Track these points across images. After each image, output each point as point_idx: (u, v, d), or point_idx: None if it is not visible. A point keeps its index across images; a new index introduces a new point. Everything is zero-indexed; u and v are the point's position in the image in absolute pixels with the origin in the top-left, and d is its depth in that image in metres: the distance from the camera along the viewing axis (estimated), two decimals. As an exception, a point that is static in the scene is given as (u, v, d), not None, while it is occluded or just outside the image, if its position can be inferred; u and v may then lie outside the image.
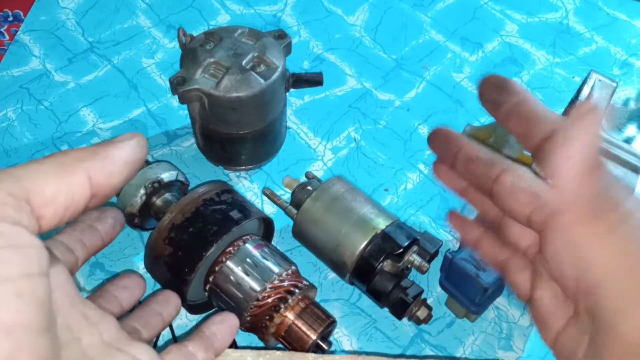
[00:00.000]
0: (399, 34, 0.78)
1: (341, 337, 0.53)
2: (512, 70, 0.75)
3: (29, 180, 0.22)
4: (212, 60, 0.54)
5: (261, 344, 0.50)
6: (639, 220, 0.27)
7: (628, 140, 0.69)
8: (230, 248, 0.49)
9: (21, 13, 0.78)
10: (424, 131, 0.68)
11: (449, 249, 0.50)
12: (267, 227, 0.54)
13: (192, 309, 0.52)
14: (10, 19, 0.77)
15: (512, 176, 0.33)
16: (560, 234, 0.28)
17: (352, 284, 0.54)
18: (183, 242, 0.47)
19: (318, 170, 0.64)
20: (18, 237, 0.21)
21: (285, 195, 0.61)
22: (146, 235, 0.58)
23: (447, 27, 0.79)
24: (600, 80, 0.56)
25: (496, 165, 0.34)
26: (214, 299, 0.50)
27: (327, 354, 0.48)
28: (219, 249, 0.48)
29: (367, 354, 0.51)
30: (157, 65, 0.72)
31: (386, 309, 0.52)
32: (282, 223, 0.58)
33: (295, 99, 0.70)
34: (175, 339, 0.52)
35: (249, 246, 0.49)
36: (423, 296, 0.52)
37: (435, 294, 0.56)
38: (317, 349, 0.48)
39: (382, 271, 0.50)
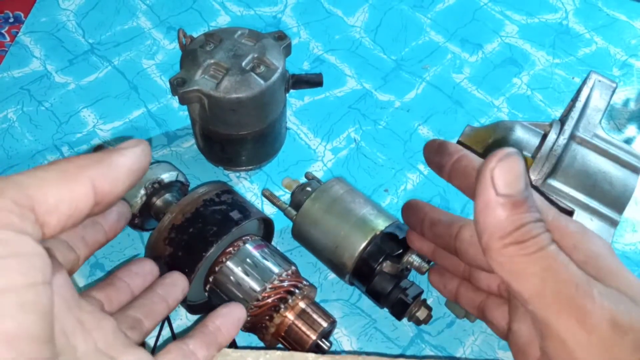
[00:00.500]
0: (398, 35, 0.78)
1: (341, 337, 0.53)
2: (512, 71, 0.75)
3: (34, 188, 0.22)
4: (212, 61, 0.54)
5: (261, 344, 0.50)
6: (555, 246, 0.29)
7: (628, 141, 0.69)
8: (230, 248, 0.49)
9: (22, 14, 0.78)
10: (424, 132, 0.68)
11: (449, 249, 0.50)
12: (267, 228, 0.54)
13: (192, 309, 0.52)
14: (11, 20, 0.78)
15: (469, 230, 0.37)
16: (497, 265, 0.30)
17: (351, 284, 0.54)
18: (183, 243, 0.48)
19: (318, 171, 0.64)
20: (22, 245, 0.21)
21: (285, 196, 0.61)
22: (146, 235, 0.58)
23: (447, 28, 0.79)
24: (600, 81, 0.56)
25: (455, 224, 0.39)
26: (214, 299, 0.50)
27: (327, 354, 0.48)
28: (219, 250, 0.48)
29: (367, 354, 0.51)
30: (158, 67, 0.73)
31: (386, 309, 0.52)
32: (282, 223, 0.58)
33: (295, 100, 0.70)
34: (174, 339, 0.52)
35: (249, 246, 0.49)
36: (423, 296, 0.52)
37: (435, 294, 0.56)
38: (317, 349, 0.48)
39: (382, 272, 0.50)
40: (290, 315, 0.47)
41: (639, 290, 0.30)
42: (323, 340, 0.48)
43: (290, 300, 0.47)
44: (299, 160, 0.65)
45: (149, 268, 0.39)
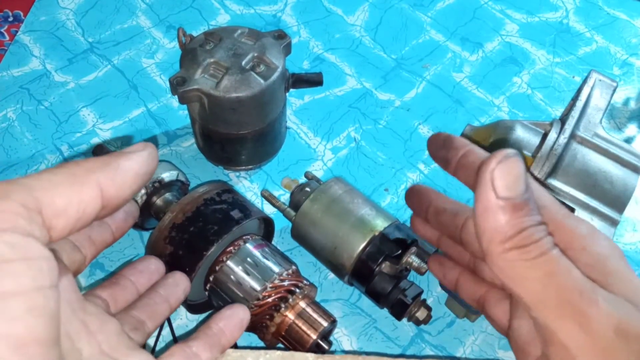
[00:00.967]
0: (399, 33, 0.78)
1: (341, 337, 0.53)
2: (512, 70, 0.75)
3: (41, 191, 0.22)
4: (211, 60, 0.54)
5: (261, 344, 0.50)
6: (557, 250, 0.29)
7: (628, 140, 0.69)
8: (231, 247, 0.49)
9: (21, 13, 0.78)
10: (424, 131, 0.68)
11: (449, 249, 0.50)
12: (267, 227, 0.54)
13: (193, 308, 0.52)
14: (11, 19, 0.78)
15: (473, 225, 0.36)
16: (498, 270, 0.29)
17: (351, 284, 0.54)
18: (184, 242, 0.47)
19: (318, 170, 0.64)
20: (30, 248, 0.21)
21: (284, 196, 0.61)
22: (146, 235, 0.58)
23: (447, 27, 0.79)
24: (600, 80, 0.56)
25: (461, 215, 0.38)
26: (215, 299, 0.50)
27: (327, 354, 0.48)
28: (220, 249, 0.48)
29: (367, 354, 0.51)
30: (157, 66, 0.72)
31: (386, 309, 0.52)
32: (282, 223, 0.58)
33: (295, 99, 0.70)
34: (175, 339, 0.52)
35: (249, 246, 0.49)
36: (423, 296, 0.52)
37: (435, 294, 0.56)
38: (317, 348, 0.48)
39: (381, 273, 0.50)
40: (290, 315, 0.47)
41: None
42: (323, 339, 0.48)
43: (290, 300, 0.47)
44: (299, 160, 0.65)
45: (155, 267, 0.39)
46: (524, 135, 0.54)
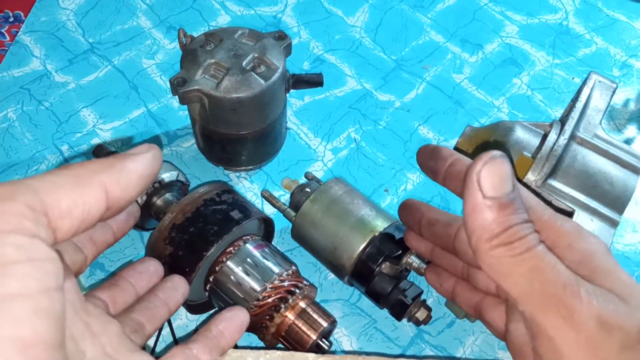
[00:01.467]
0: (399, 35, 0.78)
1: (341, 337, 0.53)
2: (512, 71, 0.75)
3: (46, 193, 0.22)
4: (212, 61, 0.54)
5: (261, 344, 0.50)
6: (542, 244, 0.30)
7: (628, 141, 0.69)
8: (231, 248, 0.49)
9: (22, 14, 0.78)
10: (424, 132, 0.68)
11: (449, 250, 0.50)
12: (267, 227, 0.54)
13: (193, 309, 0.52)
14: (11, 19, 0.78)
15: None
16: (486, 266, 0.30)
17: (351, 285, 0.54)
18: (184, 242, 0.47)
19: (318, 170, 0.64)
20: (36, 250, 0.21)
21: (285, 196, 0.61)
22: (146, 235, 0.58)
23: (447, 28, 0.79)
24: (600, 81, 0.56)
25: (453, 224, 0.39)
26: (215, 299, 0.50)
27: (327, 354, 0.48)
28: (220, 249, 0.48)
29: (367, 354, 0.51)
30: (158, 66, 0.73)
31: (386, 310, 0.52)
32: (282, 223, 0.58)
33: (296, 100, 0.70)
34: (175, 339, 0.52)
35: (249, 246, 0.49)
36: (423, 297, 0.52)
37: (435, 295, 0.56)
38: (317, 349, 0.48)
39: (381, 273, 0.50)
40: (290, 315, 0.47)
41: (630, 290, 0.30)
42: (323, 340, 0.48)
43: (290, 300, 0.47)
44: (299, 160, 0.65)
45: (154, 268, 0.39)
46: (524, 136, 0.54)
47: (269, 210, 0.60)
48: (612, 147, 0.51)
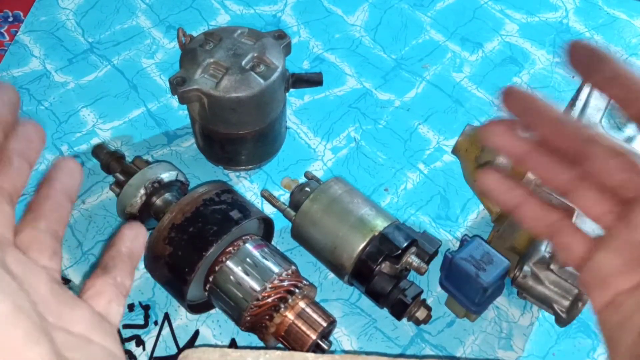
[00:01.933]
0: (398, 33, 0.78)
1: (341, 337, 0.53)
2: (512, 69, 0.75)
3: None
4: (211, 60, 0.54)
5: (261, 344, 0.50)
6: None
7: (628, 140, 0.69)
8: (230, 248, 0.49)
9: (21, 14, 0.78)
10: (424, 131, 0.68)
11: (449, 249, 0.50)
12: (267, 227, 0.54)
13: (193, 308, 0.52)
14: (11, 19, 0.78)
15: (607, 140, 0.32)
16: None
17: (350, 284, 0.54)
18: (183, 242, 0.47)
19: (318, 170, 0.64)
20: None
21: (285, 195, 0.61)
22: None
23: (447, 27, 0.79)
24: (600, 80, 0.56)
25: (589, 128, 0.33)
26: (214, 299, 0.50)
27: (327, 353, 0.48)
28: (219, 249, 0.48)
29: (367, 353, 0.51)
30: (157, 66, 0.72)
31: (386, 309, 0.52)
32: (282, 223, 0.58)
33: (295, 99, 0.70)
34: (175, 340, 0.52)
35: (249, 246, 0.49)
36: (423, 296, 0.52)
37: (435, 294, 0.56)
38: (317, 348, 0.48)
39: (381, 273, 0.50)
40: (290, 315, 0.47)
41: None
42: (323, 339, 0.48)
43: (290, 300, 0.47)
44: (298, 160, 0.65)
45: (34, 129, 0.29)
46: (525, 135, 0.54)
47: (268, 209, 0.60)
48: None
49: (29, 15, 0.77)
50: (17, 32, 0.75)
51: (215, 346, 0.51)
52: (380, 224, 0.51)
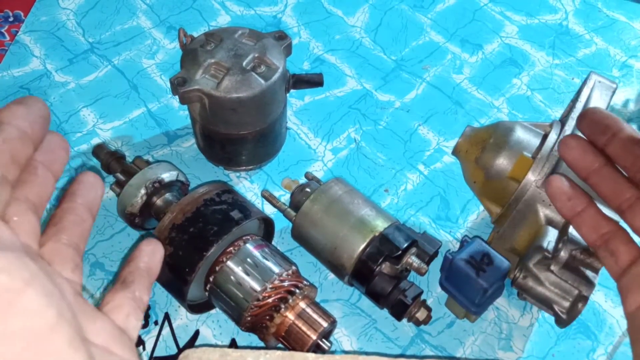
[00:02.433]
0: (399, 35, 0.78)
1: (341, 337, 0.53)
2: (512, 71, 0.75)
3: None
4: (212, 61, 0.54)
5: (261, 344, 0.50)
6: None
7: None
8: (231, 248, 0.49)
9: (22, 13, 0.78)
10: (424, 132, 0.68)
11: (449, 250, 0.50)
12: (267, 227, 0.54)
13: (193, 309, 0.52)
14: (11, 19, 0.78)
15: None
16: None
17: (351, 285, 0.54)
18: (183, 242, 0.47)
19: (318, 170, 0.64)
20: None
21: (285, 196, 0.61)
22: (146, 235, 0.58)
23: (447, 28, 0.79)
24: (600, 82, 0.56)
25: None
26: (214, 299, 0.50)
27: (328, 354, 0.48)
28: (220, 249, 0.48)
29: (367, 354, 0.51)
30: (158, 66, 0.73)
31: (386, 310, 0.52)
32: (283, 223, 0.58)
33: (296, 100, 0.70)
34: (175, 339, 0.52)
35: (249, 246, 0.49)
36: (423, 297, 0.52)
37: (435, 295, 0.56)
38: (317, 349, 0.48)
39: (381, 273, 0.50)
40: (290, 315, 0.47)
41: None
42: (323, 340, 0.48)
43: (290, 300, 0.47)
44: (299, 160, 0.65)
45: (59, 141, 0.29)
46: (524, 136, 0.54)
47: (269, 210, 0.60)
48: (612, 147, 0.50)
49: (29, 15, 0.77)
50: (17, 32, 0.75)
51: (216, 346, 0.51)
52: (380, 225, 0.51)
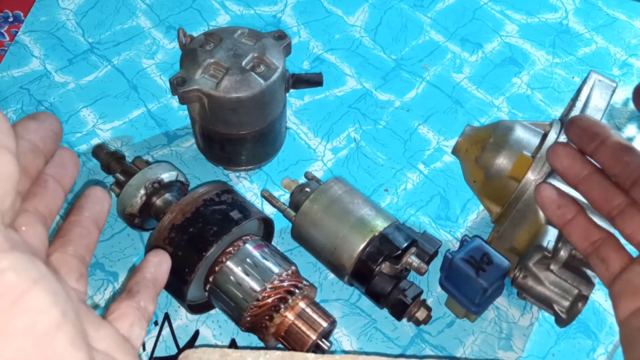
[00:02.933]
0: (398, 34, 0.78)
1: (341, 337, 0.53)
2: (512, 70, 0.75)
3: None
4: (212, 60, 0.54)
5: (261, 344, 0.50)
6: None
7: (628, 140, 0.69)
8: (231, 248, 0.49)
9: (21, 14, 0.78)
10: (424, 131, 0.68)
11: (449, 249, 0.50)
12: (267, 228, 0.54)
13: (193, 309, 0.52)
14: (11, 19, 0.78)
15: None
16: None
17: (351, 285, 0.54)
18: (183, 242, 0.47)
19: (318, 170, 0.64)
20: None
21: (285, 196, 0.61)
22: (146, 235, 0.58)
23: (447, 27, 0.79)
24: (600, 81, 0.56)
25: None
26: (214, 299, 0.50)
27: (327, 354, 0.48)
28: (219, 249, 0.48)
29: (367, 354, 0.51)
30: (157, 66, 0.73)
31: (386, 310, 0.52)
32: (282, 223, 0.58)
33: (295, 100, 0.70)
34: (175, 339, 0.52)
35: (249, 246, 0.49)
36: (423, 296, 0.52)
37: (435, 294, 0.56)
38: (317, 349, 0.48)
39: (381, 273, 0.50)
40: (290, 315, 0.47)
41: None
42: (323, 340, 0.48)
43: (290, 300, 0.47)
44: (299, 160, 0.65)
45: (69, 157, 0.30)
46: (524, 135, 0.54)
47: (268, 210, 0.60)
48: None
49: (29, 16, 0.77)
50: (17, 32, 0.75)
51: (215, 346, 0.51)
52: (380, 225, 0.51)
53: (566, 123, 0.39)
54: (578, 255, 0.48)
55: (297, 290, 0.48)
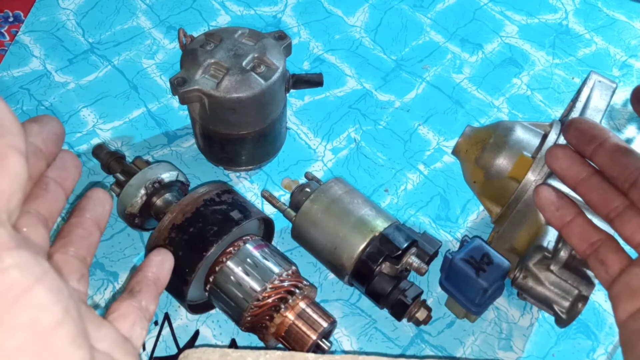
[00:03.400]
0: (399, 34, 0.78)
1: (341, 337, 0.53)
2: (512, 71, 0.75)
3: None
4: (212, 61, 0.54)
5: (261, 344, 0.50)
6: None
7: (628, 141, 0.69)
8: (231, 248, 0.49)
9: (21, 14, 0.78)
10: (424, 132, 0.68)
11: (449, 249, 0.50)
12: (267, 228, 0.54)
13: (193, 309, 0.52)
14: (11, 19, 0.78)
15: None
16: None
17: (351, 285, 0.54)
18: (183, 242, 0.47)
19: (318, 170, 0.64)
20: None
21: (285, 196, 0.61)
22: (146, 235, 0.58)
23: (447, 28, 0.79)
24: (600, 81, 0.56)
25: None
26: (214, 299, 0.50)
27: (327, 354, 0.48)
28: (220, 249, 0.48)
29: (367, 354, 0.51)
30: (158, 66, 0.73)
31: (386, 310, 0.52)
32: (282, 223, 0.58)
33: (296, 100, 0.70)
34: (175, 339, 0.52)
35: (249, 246, 0.49)
36: (423, 297, 0.52)
37: (435, 294, 0.56)
38: (317, 349, 0.48)
39: (381, 273, 0.50)
40: (290, 315, 0.47)
41: None
42: (323, 340, 0.48)
43: (290, 300, 0.47)
44: (299, 160, 0.65)
45: (72, 161, 0.31)
46: (524, 136, 0.54)
47: (269, 210, 0.60)
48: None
49: (29, 16, 0.77)
50: (17, 32, 0.75)
51: (215, 346, 0.51)
52: (380, 225, 0.51)
53: (564, 125, 0.40)
54: (578, 256, 0.48)
55: (297, 290, 0.48)
